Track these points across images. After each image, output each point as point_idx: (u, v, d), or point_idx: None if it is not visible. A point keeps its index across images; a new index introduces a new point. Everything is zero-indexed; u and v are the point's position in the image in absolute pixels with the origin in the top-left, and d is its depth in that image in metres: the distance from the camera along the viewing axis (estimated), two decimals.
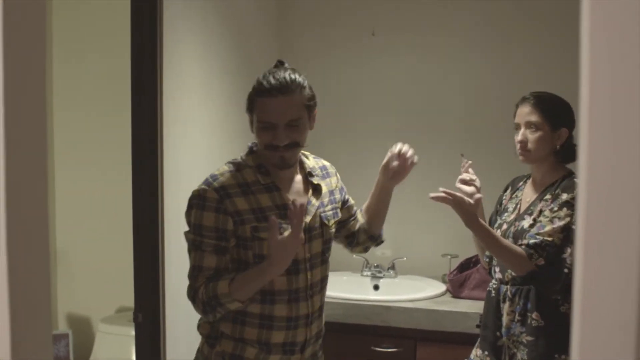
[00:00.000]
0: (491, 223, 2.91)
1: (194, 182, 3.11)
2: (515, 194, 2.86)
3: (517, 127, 2.73)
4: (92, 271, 4.36)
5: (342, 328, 3.33)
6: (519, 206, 2.80)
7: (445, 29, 3.78)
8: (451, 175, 2.99)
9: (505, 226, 2.77)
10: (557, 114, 2.68)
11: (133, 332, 3.01)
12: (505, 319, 2.72)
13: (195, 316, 3.13)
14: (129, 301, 3.07)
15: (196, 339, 3.16)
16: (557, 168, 2.73)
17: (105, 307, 4.36)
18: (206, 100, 3.20)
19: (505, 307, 2.72)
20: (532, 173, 2.80)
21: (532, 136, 2.68)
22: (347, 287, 3.59)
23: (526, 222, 2.67)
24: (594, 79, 0.92)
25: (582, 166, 0.92)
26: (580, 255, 0.93)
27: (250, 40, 3.63)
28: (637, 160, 0.90)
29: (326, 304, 3.27)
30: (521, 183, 2.88)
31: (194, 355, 3.02)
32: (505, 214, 2.82)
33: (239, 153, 3.49)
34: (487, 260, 2.92)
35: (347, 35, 3.94)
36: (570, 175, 2.71)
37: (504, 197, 2.92)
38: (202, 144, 3.19)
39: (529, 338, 2.64)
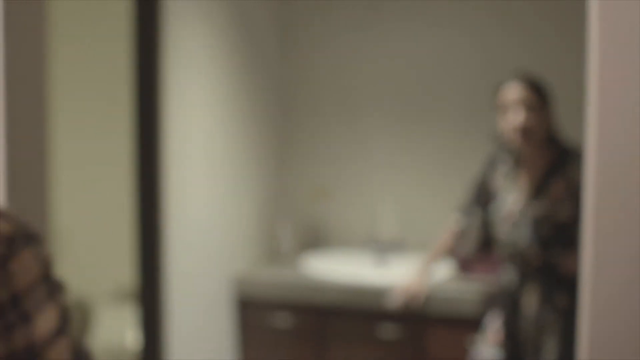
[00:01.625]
0: (472, 211, 2.93)
1: (198, 161, 3.13)
2: (511, 178, 2.81)
3: (506, 109, 2.71)
4: (90, 250, 4.37)
5: (348, 311, 3.32)
6: (523, 188, 2.77)
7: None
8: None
9: (515, 211, 2.74)
10: (546, 94, 2.69)
11: (132, 313, 3.03)
12: (525, 306, 2.72)
13: (199, 293, 3.16)
14: (129, 280, 3.09)
15: (199, 318, 3.19)
16: (549, 147, 2.74)
17: (104, 286, 4.37)
18: (210, 75, 3.21)
19: (526, 292, 2.73)
20: (521, 153, 2.77)
21: (535, 118, 2.67)
22: (348, 265, 3.58)
23: (544, 206, 2.67)
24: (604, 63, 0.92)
25: (591, 157, 0.93)
26: (588, 252, 0.94)
27: (254, 37, 3.63)
28: None
29: (323, 284, 3.30)
30: (504, 164, 2.84)
31: (195, 337, 3.05)
32: (510, 200, 2.78)
33: (242, 140, 3.49)
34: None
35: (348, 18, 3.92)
36: (566, 149, 2.72)
37: (495, 177, 2.87)
38: (205, 126, 3.20)
39: (556, 323, 2.66)
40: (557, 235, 2.63)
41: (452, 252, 3.16)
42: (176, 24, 2.96)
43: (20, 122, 1.22)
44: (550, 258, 2.67)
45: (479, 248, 2.97)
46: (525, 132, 2.67)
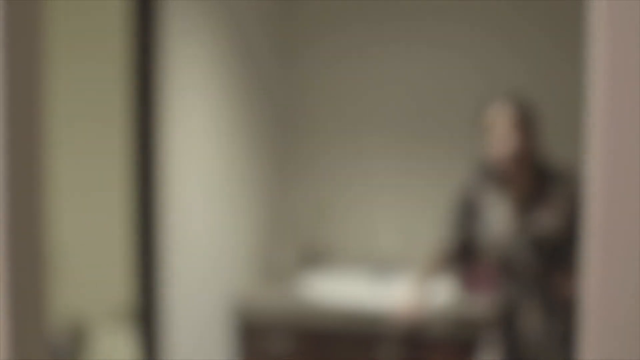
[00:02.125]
0: (456, 227, 2.93)
1: (196, 178, 3.13)
2: (497, 196, 2.81)
3: (491, 129, 2.71)
4: (87, 270, 4.36)
5: (353, 337, 3.32)
6: (511, 207, 2.76)
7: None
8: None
9: (502, 229, 2.75)
10: (533, 114, 2.72)
11: (130, 334, 3.02)
12: (525, 317, 2.73)
13: (196, 316, 3.16)
14: (127, 299, 3.08)
15: (196, 340, 3.19)
16: (531, 163, 2.74)
17: (102, 306, 4.36)
18: (210, 92, 3.22)
19: (524, 304, 2.73)
20: (506, 172, 2.76)
21: (518, 138, 2.67)
22: (349, 286, 3.58)
23: (526, 221, 2.68)
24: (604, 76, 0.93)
25: (592, 166, 0.93)
26: (590, 256, 0.94)
27: (255, 54, 3.65)
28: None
29: (324, 307, 3.29)
30: (488, 182, 2.84)
31: (193, 357, 3.04)
32: (495, 216, 2.79)
33: (242, 157, 3.49)
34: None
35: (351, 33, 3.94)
36: (551, 170, 2.73)
37: (479, 197, 2.87)
38: (205, 143, 3.20)
39: (552, 339, 2.67)
40: (539, 253, 2.65)
41: (445, 268, 3.11)
42: (176, 40, 2.97)
43: (17, 134, 1.22)
44: (536, 275, 2.69)
45: (467, 262, 2.97)
46: (509, 152, 2.68)
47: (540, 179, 2.72)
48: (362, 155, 3.89)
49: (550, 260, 2.66)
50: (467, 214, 2.92)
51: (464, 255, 2.95)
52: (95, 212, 4.35)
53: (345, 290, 3.43)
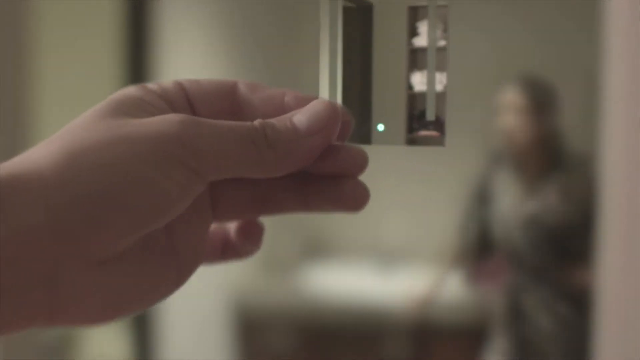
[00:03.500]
0: (471, 216, 2.94)
1: None
2: (510, 181, 2.83)
3: (501, 111, 2.74)
4: None
5: (357, 333, 3.31)
6: (517, 189, 2.78)
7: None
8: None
9: (508, 213, 2.76)
10: (543, 96, 2.68)
11: (126, 331, 3.01)
12: (530, 313, 2.72)
13: (194, 313, 3.15)
14: None
15: (194, 336, 3.18)
16: (547, 150, 2.73)
17: None
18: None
19: (528, 299, 2.71)
20: (518, 155, 2.79)
21: (524, 121, 2.70)
22: (349, 278, 3.57)
23: (536, 207, 2.66)
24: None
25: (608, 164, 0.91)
26: (605, 256, 0.92)
27: (251, 22, 3.62)
28: None
29: (323, 300, 3.28)
30: (503, 165, 2.86)
31: (190, 354, 3.03)
32: (505, 199, 2.80)
33: None
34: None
35: None
36: (564, 149, 2.71)
37: (495, 174, 2.89)
38: None
39: (562, 331, 2.65)
40: (549, 241, 2.63)
41: (459, 262, 3.15)
42: (170, 25, 2.95)
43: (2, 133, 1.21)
44: (546, 265, 2.66)
45: (482, 253, 2.97)
46: (513, 135, 2.72)
47: (553, 163, 2.70)
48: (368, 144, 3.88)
49: (561, 250, 2.65)
50: (482, 202, 2.93)
51: (480, 248, 2.95)
52: None
53: (350, 283, 3.42)
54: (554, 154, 2.71)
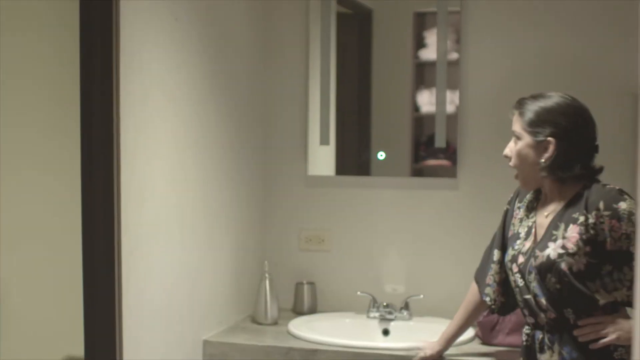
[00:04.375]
0: (496, 244, 2.99)
1: (160, 202, 3.11)
2: (526, 215, 2.87)
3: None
4: (32, 312, 4.34)
5: None
6: (533, 231, 2.80)
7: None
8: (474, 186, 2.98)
9: (521, 258, 2.77)
10: (537, 121, 2.69)
11: None
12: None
13: None
14: (79, 350, 3.06)
15: None
16: (566, 184, 2.74)
17: (49, 357, 4.34)
18: (175, 106, 3.19)
19: (546, 358, 2.72)
20: (542, 189, 2.83)
21: (514, 148, 2.76)
22: (349, 331, 3.57)
23: (552, 251, 2.66)
24: None
25: None
26: None
27: (229, 37, 3.63)
28: None
29: (323, 352, 3.28)
30: (530, 198, 2.89)
31: None
32: (518, 242, 2.83)
33: (212, 167, 3.50)
34: (488, 298, 3.00)
35: None
36: (591, 183, 2.72)
37: (515, 212, 2.93)
38: (169, 153, 3.18)
39: None
40: (565, 290, 2.63)
41: (473, 319, 3.17)
42: (137, 20, 2.95)
43: None
44: (563, 317, 2.68)
45: (501, 305, 2.99)
46: (510, 164, 2.80)
47: (571, 201, 2.70)
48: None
49: (582, 301, 2.65)
50: (502, 237, 2.98)
51: (498, 302, 2.98)
52: (38, 240, 4.32)
53: (339, 338, 3.40)
54: (570, 190, 2.71)
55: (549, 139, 2.67)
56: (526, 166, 2.73)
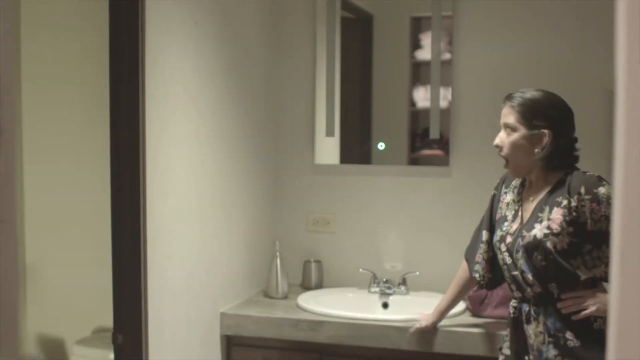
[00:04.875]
0: (484, 226, 2.98)
1: (182, 190, 3.11)
2: (513, 199, 2.87)
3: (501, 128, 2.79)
4: (66, 287, 4.35)
5: (347, 351, 3.32)
6: (520, 213, 2.81)
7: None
8: (469, 176, 2.97)
9: (509, 238, 2.78)
10: (534, 114, 2.68)
11: (112, 356, 3.00)
12: (534, 342, 2.72)
13: (181, 337, 3.14)
14: (108, 320, 3.06)
15: (181, 356, 3.15)
16: (551, 171, 2.75)
17: (81, 327, 4.35)
18: (196, 98, 3.20)
19: (532, 328, 2.72)
20: (528, 177, 2.82)
21: (507, 139, 2.73)
22: (352, 305, 3.58)
23: (538, 231, 2.67)
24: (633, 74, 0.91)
25: (619, 171, 0.91)
26: (616, 276, 0.92)
27: (243, 39, 3.63)
28: None
29: (328, 323, 3.29)
30: (515, 184, 2.89)
31: None
32: (505, 224, 2.83)
33: (228, 157, 3.49)
34: (477, 274, 3.00)
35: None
36: (573, 170, 2.72)
37: (502, 197, 2.93)
38: (191, 146, 3.18)
39: None
40: (550, 266, 2.65)
41: (464, 289, 3.16)
42: (161, 22, 2.95)
43: None
44: (547, 291, 2.69)
45: (488, 280, 2.99)
46: (500, 152, 2.77)
47: (556, 186, 2.71)
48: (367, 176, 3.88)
49: (565, 276, 2.66)
50: (490, 220, 2.98)
51: (486, 277, 2.98)
52: (72, 222, 4.34)
53: (344, 310, 3.41)
54: (562, 174, 2.71)
55: (544, 130, 2.67)
56: (520, 156, 2.72)
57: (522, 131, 2.69)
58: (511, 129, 2.71)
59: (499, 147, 2.75)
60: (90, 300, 4.26)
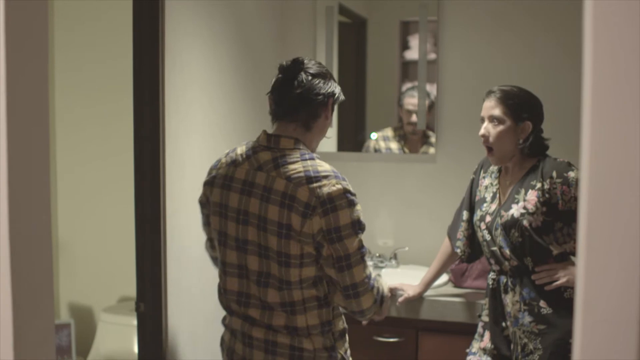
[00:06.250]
0: (465, 206, 2.98)
1: (197, 174, 3.11)
2: (491, 183, 2.86)
3: (482, 120, 2.76)
4: (94, 261, 4.36)
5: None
6: (498, 195, 2.81)
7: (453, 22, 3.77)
8: (458, 164, 2.96)
9: (488, 218, 2.78)
10: (520, 107, 2.68)
11: (135, 322, 3.01)
12: (511, 310, 2.73)
13: (197, 306, 3.14)
14: (131, 291, 3.07)
15: (197, 328, 3.17)
16: (526, 158, 2.75)
17: (107, 296, 4.36)
18: (210, 94, 3.20)
19: (509, 298, 2.74)
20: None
21: (493, 130, 2.70)
22: None
23: (515, 211, 2.68)
24: (597, 73, 0.91)
25: (585, 158, 0.92)
26: (582, 251, 0.93)
27: (252, 41, 3.62)
28: (638, 154, 0.90)
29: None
30: (494, 169, 2.88)
31: (195, 344, 3.02)
32: (484, 205, 2.83)
33: (237, 142, 3.49)
34: (459, 250, 3.00)
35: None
36: (545, 157, 2.73)
37: (480, 181, 2.92)
38: (205, 135, 3.18)
39: (541, 326, 2.67)
40: (526, 242, 2.67)
41: (447, 263, 3.17)
42: (179, 21, 2.95)
43: (22, 131, 1.20)
44: (523, 264, 2.71)
45: (469, 256, 3.00)
46: (485, 142, 2.74)
47: (531, 170, 2.71)
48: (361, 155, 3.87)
49: (539, 251, 2.67)
50: (470, 201, 2.98)
51: (467, 251, 2.99)
52: (99, 202, 4.34)
53: None
54: (535, 160, 2.72)
55: (527, 122, 2.68)
56: (506, 145, 2.70)
57: (509, 123, 2.69)
58: (498, 120, 2.69)
59: (485, 137, 2.74)
60: (116, 273, 4.27)
